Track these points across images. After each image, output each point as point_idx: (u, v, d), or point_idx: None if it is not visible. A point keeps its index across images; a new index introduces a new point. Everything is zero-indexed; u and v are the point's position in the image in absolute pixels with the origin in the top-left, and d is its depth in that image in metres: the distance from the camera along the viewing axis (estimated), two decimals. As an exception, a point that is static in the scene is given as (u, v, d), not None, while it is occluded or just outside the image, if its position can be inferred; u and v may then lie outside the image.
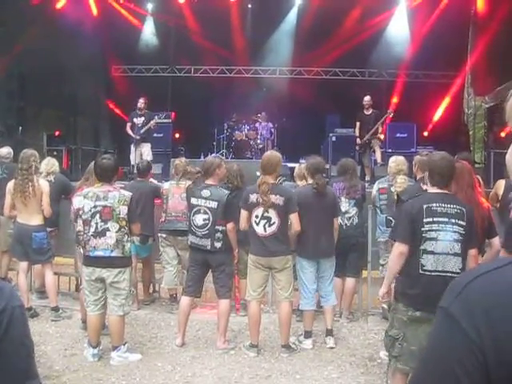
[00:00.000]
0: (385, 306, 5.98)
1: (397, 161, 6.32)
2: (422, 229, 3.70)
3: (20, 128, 12.22)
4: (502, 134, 11.81)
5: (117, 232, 4.98)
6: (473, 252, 3.78)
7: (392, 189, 6.12)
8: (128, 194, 5.16)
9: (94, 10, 14.50)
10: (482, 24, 12.59)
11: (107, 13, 14.56)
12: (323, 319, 5.74)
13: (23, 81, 12.59)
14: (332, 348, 5.48)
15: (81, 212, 5.03)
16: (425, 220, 3.70)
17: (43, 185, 6.13)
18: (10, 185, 6.10)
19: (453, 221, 3.69)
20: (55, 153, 11.76)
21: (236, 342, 5.62)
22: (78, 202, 5.09)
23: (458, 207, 3.72)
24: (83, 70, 12.89)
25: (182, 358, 5.19)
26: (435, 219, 3.69)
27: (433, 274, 3.66)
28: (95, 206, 4.99)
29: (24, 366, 1.20)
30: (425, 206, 3.73)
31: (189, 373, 4.83)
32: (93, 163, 6.57)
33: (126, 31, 14.78)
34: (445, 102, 14.82)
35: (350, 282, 6.26)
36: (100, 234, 4.96)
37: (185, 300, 5.53)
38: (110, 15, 14.57)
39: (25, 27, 11.03)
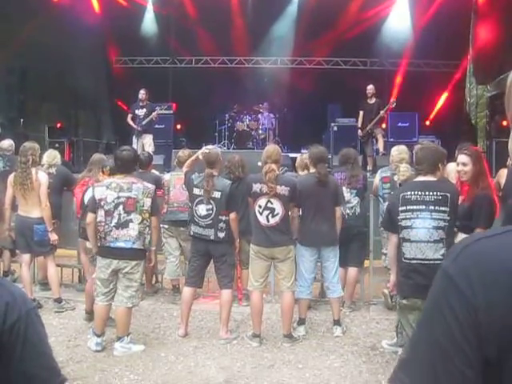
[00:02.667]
0: (386, 291, 6.01)
1: (399, 149, 6.30)
2: (398, 217, 3.77)
3: (21, 120, 12.19)
4: (504, 123, 11.75)
5: (139, 224, 5.00)
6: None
7: (395, 177, 6.10)
8: (152, 186, 5.21)
9: (95, 2, 14.44)
10: (484, 12, 12.49)
11: (107, 4, 14.49)
12: (330, 309, 5.73)
13: (24, 73, 12.55)
14: (338, 337, 5.49)
15: (103, 203, 5.01)
16: (400, 209, 3.77)
17: (41, 177, 6.11)
18: (11, 177, 6.11)
19: (431, 208, 3.69)
20: (57, 145, 11.71)
21: (238, 331, 5.64)
22: (100, 192, 5.06)
23: (440, 193, 3.71)
24: (84, 62, 12.85)
25: (184, 348, 5.22)
26: (409, 207, 3.73)
27: (412, 261, 3.69)
28: (118, 197, 4.99)
29: (45, 374, 1.20)
30: (401, 195, 3.81)
31: (192, 363, 4.85)
32: (95, 155, 6.60)
33: (127, 22, 14.67)
34: (446, 91, 14.75)
35: (352, 271, 6.26)
36: (122, 225, 4.98)
37: (187, 290, 5.54)
38: (110, 6, 14.49)
39: (25, 20, 10.97)
